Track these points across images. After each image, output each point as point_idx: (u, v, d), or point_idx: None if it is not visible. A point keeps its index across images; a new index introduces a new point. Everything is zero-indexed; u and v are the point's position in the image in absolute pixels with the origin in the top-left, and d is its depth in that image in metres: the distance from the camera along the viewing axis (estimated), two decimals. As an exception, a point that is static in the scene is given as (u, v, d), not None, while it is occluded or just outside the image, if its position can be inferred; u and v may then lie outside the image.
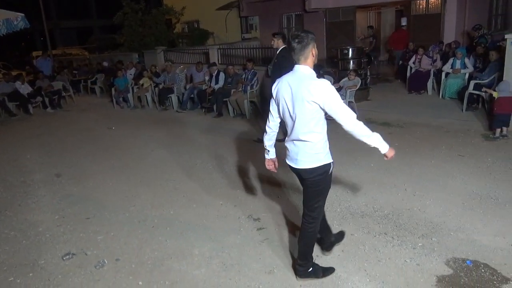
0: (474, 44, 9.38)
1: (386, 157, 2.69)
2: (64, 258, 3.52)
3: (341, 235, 3.47)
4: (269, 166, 3.05)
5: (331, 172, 2.79)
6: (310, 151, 2.67)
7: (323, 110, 2.55)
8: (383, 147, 2.62)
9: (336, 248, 3.36)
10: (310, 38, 2.60)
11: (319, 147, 2.67)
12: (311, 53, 2.62)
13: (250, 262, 3.29)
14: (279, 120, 2.87)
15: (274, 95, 2.78)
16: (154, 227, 3.99)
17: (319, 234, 3.17)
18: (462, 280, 2.88)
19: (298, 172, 2.81)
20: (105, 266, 3.36)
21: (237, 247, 3.52)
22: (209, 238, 3.71)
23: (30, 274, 3.33)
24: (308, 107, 2.54)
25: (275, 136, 2.98)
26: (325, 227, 3.27)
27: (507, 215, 3.71)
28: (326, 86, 2.51)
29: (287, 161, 2.87)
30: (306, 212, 2.88)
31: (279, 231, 3.72)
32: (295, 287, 2.93)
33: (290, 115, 2.67)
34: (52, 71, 14.31)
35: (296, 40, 2.58)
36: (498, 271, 2.94)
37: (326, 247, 3.31)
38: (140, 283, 3.11)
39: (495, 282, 2.83)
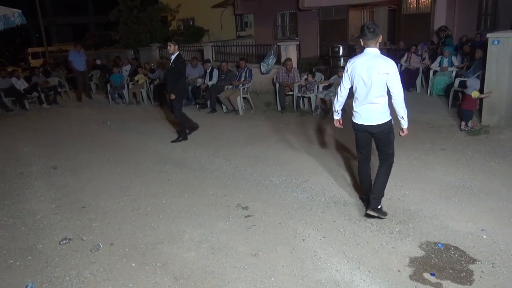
0: (440, 43, 9.67)
1: (403, 132, 3.65)
2: (61, 243, 3.70)
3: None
4: (338, 124, 3.95)
5: (393, 125, 3.63)
6: (380, 110, 3.51)
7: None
8: (405, 123, 3.60)
9: (318, 233, 3.58)
10: (379, 28, 3.43)
11: (385, 107, 3.52)
12: (379, 40, 3.45)
13: (237, 246, 3.49)
14: (348, 91, 3.69)
15: (349, 71, 3.56)
16: (147, 215, 4.19)
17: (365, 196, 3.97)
18: (432, 261, 3.10)
19: (370, 129, 3.58)
20: (100, 250, 3.56)
21: (225, 232, 3.73)
22: (199, 224, 3.91)
23: (29, 257, 3.52)
24: (381, 78, 3.36)
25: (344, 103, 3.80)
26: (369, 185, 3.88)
27: (480, 203, 3.94)
28: (393, 64, 3.37)
29: (357, 121, 3.64)
30: (383, 158, 3.70)
31: (266, 218, 3.93)
32: (278, 267, 3.14)
33: (365, 84, 3.44)
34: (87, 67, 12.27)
35: (371, 30, 3.37)
36: (467, 253, 3.17)
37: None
38: (133, 264, 3.31)
39: (462, 262, 3.06)
